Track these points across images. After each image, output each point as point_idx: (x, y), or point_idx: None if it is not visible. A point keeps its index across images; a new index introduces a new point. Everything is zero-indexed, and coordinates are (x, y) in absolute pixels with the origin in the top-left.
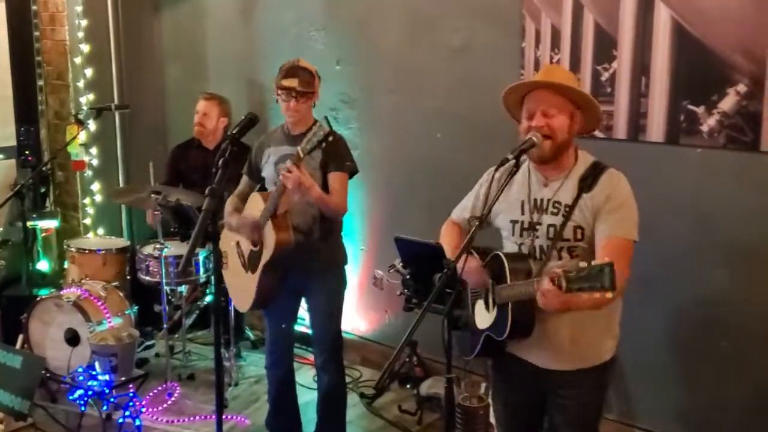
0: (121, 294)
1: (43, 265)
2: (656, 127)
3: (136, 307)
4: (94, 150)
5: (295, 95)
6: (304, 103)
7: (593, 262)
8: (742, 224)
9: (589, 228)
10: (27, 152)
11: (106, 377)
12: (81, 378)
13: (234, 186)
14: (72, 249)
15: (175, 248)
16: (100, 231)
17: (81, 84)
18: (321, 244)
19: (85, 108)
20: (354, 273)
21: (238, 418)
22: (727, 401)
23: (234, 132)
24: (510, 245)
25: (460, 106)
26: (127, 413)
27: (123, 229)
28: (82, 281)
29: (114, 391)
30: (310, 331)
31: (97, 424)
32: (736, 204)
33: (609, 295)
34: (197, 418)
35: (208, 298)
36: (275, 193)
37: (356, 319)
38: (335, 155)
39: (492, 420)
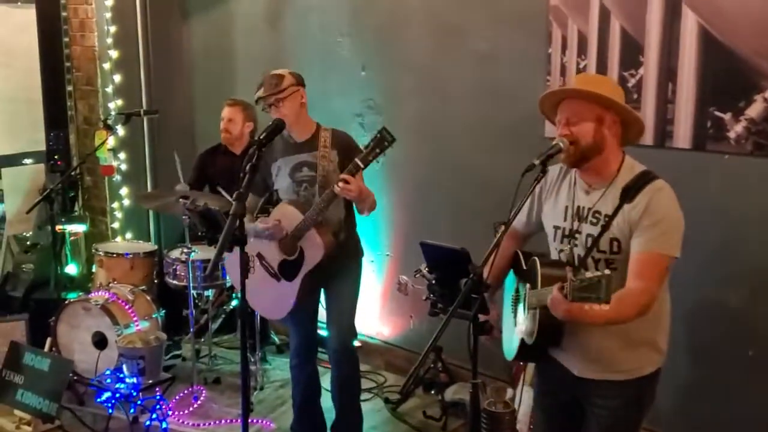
0: (149, 298)
1: (72, 269)
2: (683, 134)
3: (164, 311)
4: (122, 155)
5: (270, 103)
6: (282, 106)
7: (595, 273)
8: None
9: (626, 241)
10: (56, 157)
11: (134, 380)
12: (109, 381)
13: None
14: (100, 253)
15: (202, 252)
16: (128, 235)
17: (110, 89)
18: (346, 242)
19: (113, 113)
20: (379, 279)
21: (264, 422)
22: (752, 411)
23: (261, 137)
24: (552, 251)
25: (485, 112)
26: (154, 416)
27: (151, 233)
28: (110, 285)
29: (141, 393)
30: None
31: (124, 427)
32: (764, 210)
33: (604, 307)
34: (223, 421)
35: (234, 303)
36: (322, 202)
37: (381, 324)
38: (352, 154)
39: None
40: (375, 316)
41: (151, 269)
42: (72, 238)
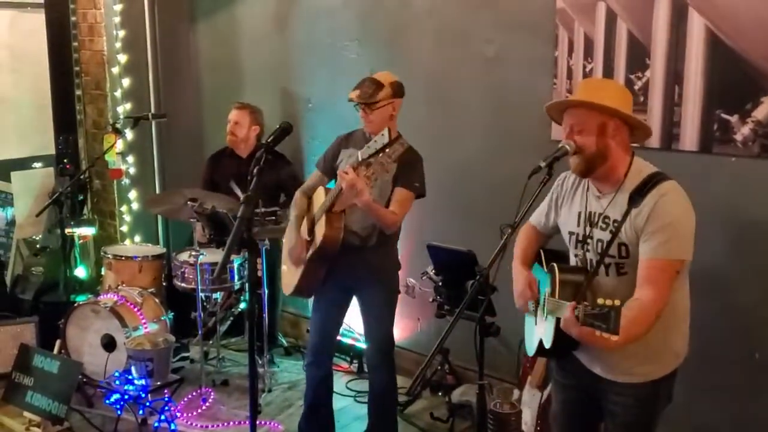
0: (157, 300)
1: (81, 272)
2: (689, 136)
3: (172, 314)
4: (131, 158)
5: (362, 106)
6: (372, 113)
7: (606, 301)
8: None
9: (634, 246)
10: (65, 161)
11: (142, 382)
12: (117, 382)
13: (266, 194)
14: (109, 256)
15: (210, 255)
16: (137, 238)
17: (118, 93)
18: (377, 252)
19: (122, 117)
20: None
21: (272, 423)
22: (758, 415)
23: (269, 141)
24: (570, 254)
25: (492, 116)
26: (162, 418)
27: (159, 237)
28: (119, 287)
29: (150, 395)
30: (362, 332)
31: (132, 429)
32: None
33: (614, 338)
34: (231, 423)
35: (243, 305)
36: (333, 191)
37: None
38: (408, 172)
39: (524, 428)
40: None
41: (160, 272)
42: (81, 241)
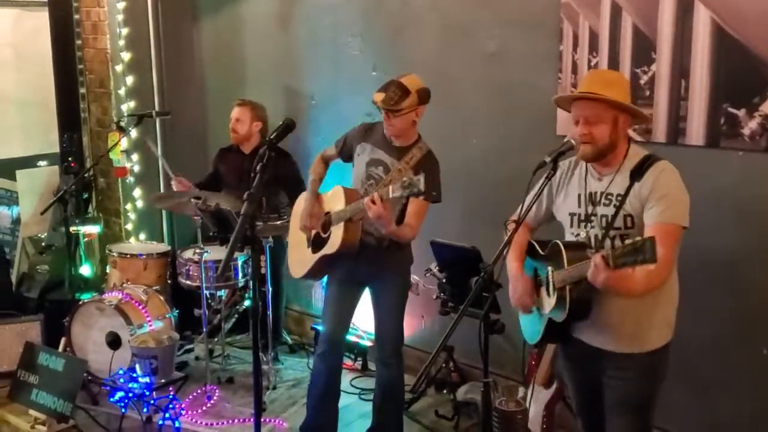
0: (162, 298)
1: (86, 270)
2: (696, 131)
3: (177, 311)
4: (135, 156)
5: (385, 110)
6: (396, 118)
7: (636, 238)
8: None
9: (638, 216)
10: (70, 159)
11: (147, 379)
12: (122, 380)
13: (269, 190)
14: (114, 254)
15: (214, 253)
16: (142, 236)
17: (122, 91)
18: (391, 247)
19: (126, 115)
20: None
21: (276, 421)
22: (764, 411)
23: (272, 137)
24: (568, 237)
25: (496, 111)
26: (167, 415)
27: (164, 234)
28: (124, 285)
29: (154, 393)
30: (367, 329)
31: (137, 426)
32: None
33: (651, 267)
34: (236, 421)
35: (247, 303)
36: (354, 207)
37: None
38: (426, 181)
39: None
40: None
41: (165, 270)
42: (86, 239)
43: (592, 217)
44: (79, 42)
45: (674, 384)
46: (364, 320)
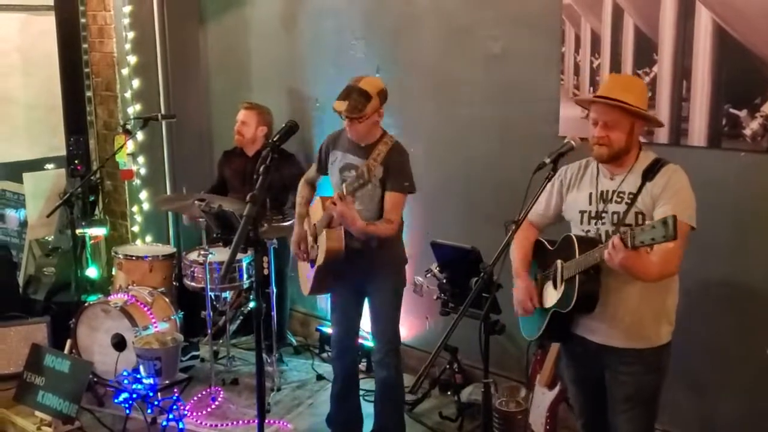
0: (167, 300)
1: (92, 272)
2: (698, 131)
3: (182, 313)
4: (141, 159)
5: (347, 117)
6: (359, 124)
7: (658, 218)
8: None
9: (649, 214)
10: (76, 162)
11: (151, 380)
12: (126, 381)
13: (273, 192)
14: (119, 256)
15: (219, 254)
16: (148, 238)
17: (128, 95)
18: (380, 249)
19: (132, 118)
20: None
21: (281, 422)
22: (764, 411)
23: (275, 139)
24: (577, 233)
25: (499, 112)
26: (171, 416)
27: (170, 237)
28: (129, 287)
29: (159, 394)
30: (369, 329)
31: (142, 428)
32: None
33: (671, 244)
34: (240, 422)
35: (252, 304)
36: (329, 213)
37: None
38: (396, 175)
39: (533, 427)
40: None
41: (170, 271)
42: (92, 241)
43: (603, 214)
44: (85, 46)
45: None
46: (367, 322)
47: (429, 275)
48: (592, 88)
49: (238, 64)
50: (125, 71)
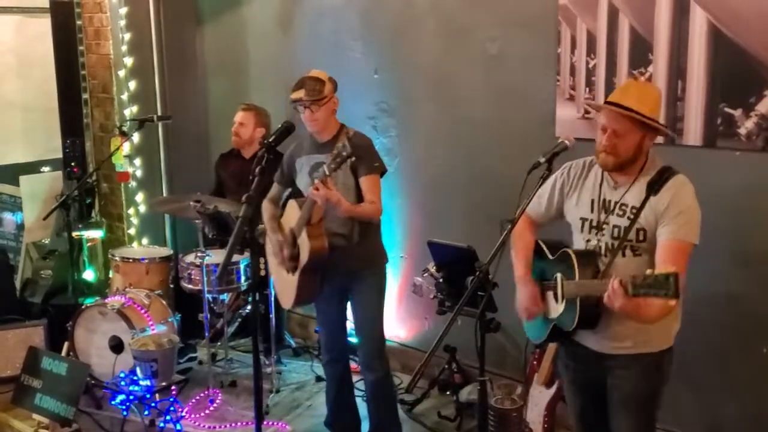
0: (164, 302)
1: (89, 275)
2: (693, 131)
3: (179, 315)
4: (138, 161)
5: (306, 105)
6: (318, 111)
7: (658, 271)
8: None
9: (651, 230)
10: (73, 164)
11: (147, 382)
12: (123, 383)
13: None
14: (116, 258)
15: (216, 256)
16: (145, 241)
17: (125, 97)
18: (361, 245)
19: (128, 120)
20: (394, 280)
21: (279, 424)
22: (764, 410)
23: (270, 140)
24: (578, 240)
25: (496, 113)
26: (168, 418)
27: (167, 239)
28: (126, 290)
29: (156, 396)
30: (353, 330)
31: (140, 430)
32: None
33: (672, 302)
34: (239, 424)
35: (250, 306)
36: (306, 205)
37: (396, 326)
38: (365, 159)
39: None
40: (391, 318)
41: (167, 274)
42: (89, 244)
43: (604, 226)
44: (81, 48)
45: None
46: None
47: (426, 274)
48: (587, 89)
49: (236, 65)
50: (122, 73)
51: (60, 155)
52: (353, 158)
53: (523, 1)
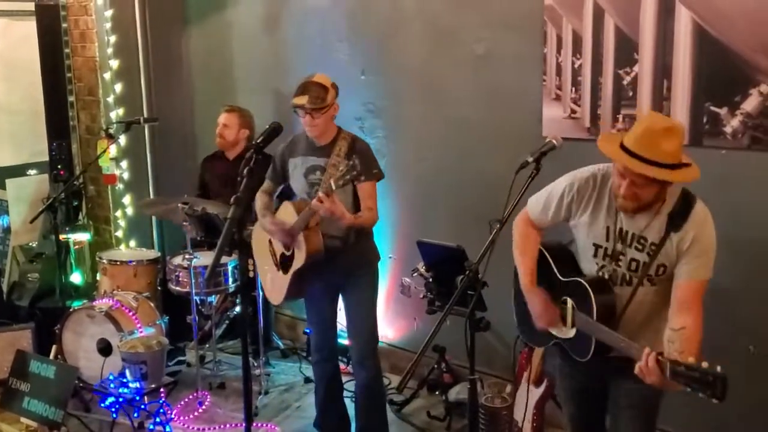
0: (152, 304)
1: (76, 278)
2: None
3: (167, 317)
4: (124, 164)
5: (308, 111)
6: (319, 117)
7: (704, 365)
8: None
9: (672, 265)
10: (59, 167)
11: (137, 384)
12: (112, 386)
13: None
14: (104, 261)
15: (204, 258)
16: (132, 243)
17: (111, 99)
18: (356, 246)
19: (115, 122)
20: (383, 281)
21: (268, 425)
22: (752, 408)
23: (258, 141)
24: (588, 264)
25: (483, 114)
26: (157, 420)
27: (154, 241)
28: (114, 292)
29: (145, 398)
30: (346, 329)
31: None
32: (761, 205)
33: (715, 401)
34: (228, 426)
35: (238, 308)
36: (306, 213)
37: (385, 326)
38: (363, 165)
39: (516, 417)
40: (379, 319)
41: (155, 276)
42: (76, 247)
43: (621, 257)
44: (67, 50)
45: None
46: (342, 319)
47: (415, 274)
48: (573, 89)
49: (222, 66)
50: (107, 75)
51: (46, 158)
52: (363, 177)
53: (509, 2)
